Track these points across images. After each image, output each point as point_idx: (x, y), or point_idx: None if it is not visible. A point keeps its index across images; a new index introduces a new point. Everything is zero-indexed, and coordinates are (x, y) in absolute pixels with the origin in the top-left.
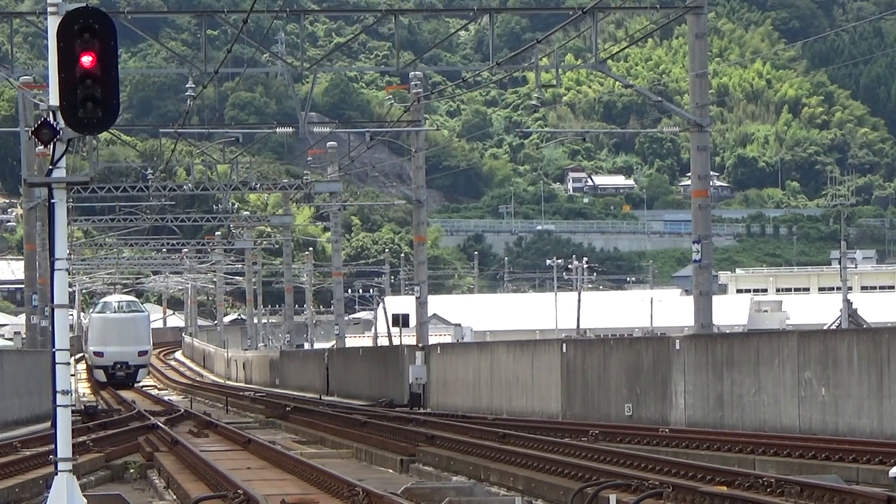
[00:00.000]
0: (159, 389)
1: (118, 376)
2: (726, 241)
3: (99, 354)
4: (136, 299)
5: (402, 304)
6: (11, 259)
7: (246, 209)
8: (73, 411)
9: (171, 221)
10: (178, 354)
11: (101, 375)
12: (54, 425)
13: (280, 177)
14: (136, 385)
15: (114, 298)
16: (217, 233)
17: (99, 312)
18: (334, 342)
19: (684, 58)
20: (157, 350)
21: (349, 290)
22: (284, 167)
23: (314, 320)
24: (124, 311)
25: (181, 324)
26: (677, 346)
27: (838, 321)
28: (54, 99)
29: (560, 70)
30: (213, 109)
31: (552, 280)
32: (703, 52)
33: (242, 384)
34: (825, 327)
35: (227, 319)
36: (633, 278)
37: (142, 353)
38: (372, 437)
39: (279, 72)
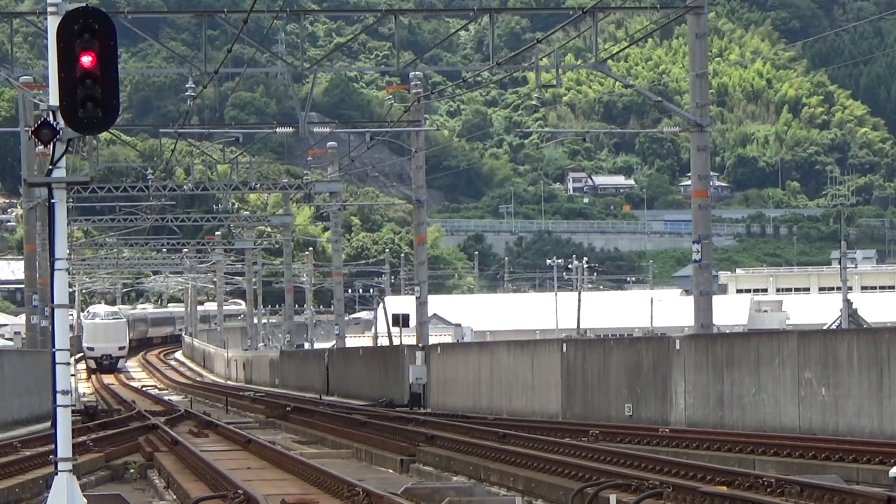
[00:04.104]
0: (159, 389)
1: (104, 364)
2: (726, 241)
3: (91, 349)
4: (117, 309)
5: (402, 304)
6: (11, 259)
7: (246, 209)
8: (73, 411)
9: (171, 221)
10: (178, 354)
11: (92, 364)
12: (54, 425)
13: (280, 177)
14: (117, 370)
15: (101, 309)
16: (217, 233)
17: (90, 319)
18: (334, 342)
19: (684, 58)
20: (158, 350)
21: (349, 290)
22: (284, 167)
23: (314, 320)
24: (109, 319)
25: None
26: (677, 346)
27: (838, 321)
28: (54, 99)
29: (560, 70)
30: (213, 109)
31: (552, 280)
32: (703, 52)
33: (242, 384)
34: (825, 327)
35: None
36: (633, 278)
37: (121, 348)
38: (372, 437)
39: (279, 72)
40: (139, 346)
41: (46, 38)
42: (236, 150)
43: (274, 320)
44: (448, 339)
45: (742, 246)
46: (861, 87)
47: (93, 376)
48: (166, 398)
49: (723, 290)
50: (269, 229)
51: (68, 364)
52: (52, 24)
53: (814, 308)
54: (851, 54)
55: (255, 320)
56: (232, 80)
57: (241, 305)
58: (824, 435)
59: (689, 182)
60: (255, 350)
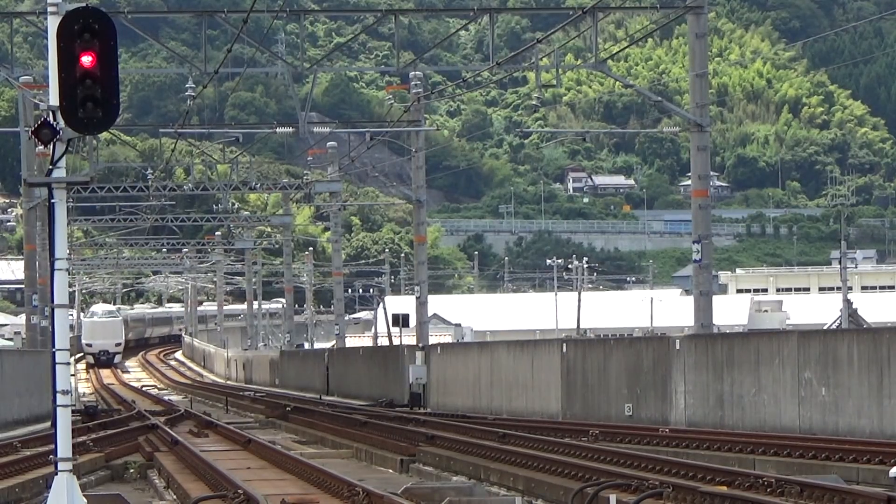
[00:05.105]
0: (159, 389)
1: (101, 360)
2: (726, 241)
3: (89, 346)
4: (114, 308)
5: (402, 304)
6: (11, 259)
7: (246, 209)
8: (73, 411)
9: (171, 221)
10: (179, 354)
11: (90, 359)
12: (54, 425)
13: (280, 177)
14: (113, 365)
15: (99, 308)
16: (217, 233)
17: (89, 318)
18: (334, 342)
19: (684, 58)
20: (160, 350)
21: (349, 290)
22: (284, 167)
23: (314, 320)
24: (106, 317)
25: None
26: (677, 346)
27: (838, 321)
28: (54, 99)
29: (560, 70)
30: (213, 109)
31: (552, 280)
32: (703, 52)
33: (242, 384)
34: (825, 327)
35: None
36: (633, 278)
37: (117, 345)
38: (372, 437)
39: (279, 72)
40: (136, 346)
41: (46, 38)
42: (236, 150)
43: (275, 318)
44: (448, 339)
45: (742, 246)
46: (861, 87)
47: (92, 375)
48: (166, 398)
49: (723, 290)
50: (269, 229)
51: (68, 364)
52: (52, 24)
53: (814, 308)
54: (851, 54)
55: (290, 318)
56: (232, 80)
57: (279, 304)
58: (824, 435)
59: (689, 182)
60: (255, 350)
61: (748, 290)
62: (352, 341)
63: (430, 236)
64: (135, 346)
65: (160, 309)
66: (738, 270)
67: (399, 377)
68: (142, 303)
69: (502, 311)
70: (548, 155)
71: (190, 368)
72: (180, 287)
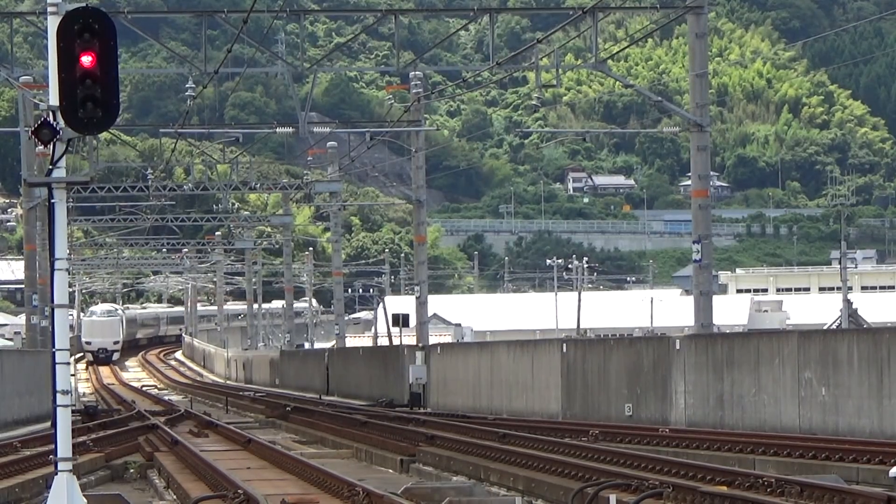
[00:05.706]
0: (159, 389)
1: (101, 357)
2: (726, 241)
3: (88, 343)
4: (114, 307)
5: (402, 304)
6: (11, 259)
7: (246, 209)
8: (73, 411)
9: (171, 221)
10: (179, 354)
11: (90, 357)
12: (54, 425)
13: (280, 177)
14: (111, 363)
15: (98, 307)
16: (217, 233)
17: (88, 317)
18: (334, 342)
19: (684, 58)
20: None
21: (349, 290)
22: (284, 167)
23: (314, 320)
24: (105, 316)
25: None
26: (677, 346)
27: (838, 321)
28: (54, 99)
29: (560, 70)
30: (213, 109)
31: (552, 280)
32: (703, 52)
33: (242, 384)
34: (825, 327)
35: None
36: (633, 278)
37: (115, 343)
38: (372, 437)
39: (279, 72)
40: (149, 344)
41: (46, 38)
42: (236, 150)
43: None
44: (448, 339)
45: (742, 246)
46: (861, 87)
47: (92, 375)
48: (166, 398)
49: (723, 290)
50: (269, 229)
51: (68, 364)
52: (52, 24)
53: (814, 308)
54: (851, 54)
55: (290, 318)
56: (232, 80)
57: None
58: (824, 435)
59: (689, 182)
60: (255, 350)
61: (748, 290)
62: (352, 341)
63: (430, 236)
64: (147, 345)
65: (174, 308)
66: (738, 270)
67: (399, 377)
68: (142, 303)
69: (502, 311)
70: (548, 155)
71: (190, 368)
72: (180, 287)
